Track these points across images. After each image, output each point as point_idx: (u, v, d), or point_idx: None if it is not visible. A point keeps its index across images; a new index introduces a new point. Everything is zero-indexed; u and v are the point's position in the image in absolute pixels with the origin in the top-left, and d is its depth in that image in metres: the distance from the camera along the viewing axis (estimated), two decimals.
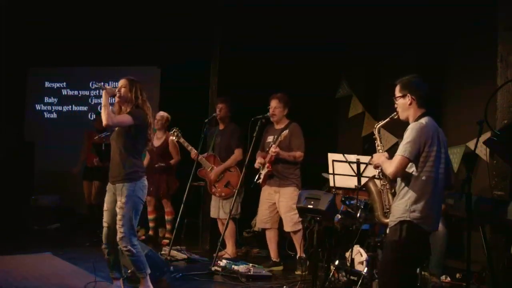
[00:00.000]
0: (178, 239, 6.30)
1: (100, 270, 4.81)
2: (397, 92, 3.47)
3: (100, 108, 4.62)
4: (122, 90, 4.24)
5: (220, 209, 6.18)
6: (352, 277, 4.58)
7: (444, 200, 4.11)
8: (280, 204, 5.67)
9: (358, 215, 4.37)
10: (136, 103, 4.23)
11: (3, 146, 8.46)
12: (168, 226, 7.00)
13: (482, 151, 5.20)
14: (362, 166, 4.50)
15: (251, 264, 5.38)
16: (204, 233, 6.97)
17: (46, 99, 9.41)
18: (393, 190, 3.52)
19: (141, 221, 7.45)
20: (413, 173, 3.31)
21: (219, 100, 6.35)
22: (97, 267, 4.85)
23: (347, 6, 6.42)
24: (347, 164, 4.58)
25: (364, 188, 4.13)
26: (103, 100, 4.16)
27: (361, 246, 4.82)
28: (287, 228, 5.65)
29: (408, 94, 3.40)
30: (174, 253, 5.94)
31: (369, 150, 3.65)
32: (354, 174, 4.53)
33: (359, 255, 4.81)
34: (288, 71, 6.90)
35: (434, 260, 4.74)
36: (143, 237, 7.12)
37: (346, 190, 4.93)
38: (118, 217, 4.13)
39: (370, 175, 4.03)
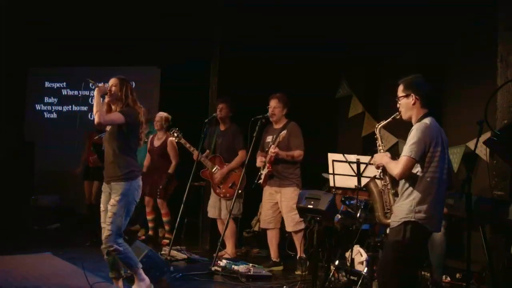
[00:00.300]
0: (178, 239, 6.30)
1: (100, 270, 4.82)
2: (401, 92, 3.47)
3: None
4: (113, 88, 4.25)
5: (221, 209, 6.18)
6: (352, 277, 4.58)
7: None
8: (281, 204, 5.68)
9: (358, 215, 4.38)
10: (127, 102, 4.24)
11: (3, 146, 8.46)
12: (166, 227, 7.00)
13: (482, 151, 5.20)
14: (362, 166, 4.50)
15: (251, 264, 5.38)
16: (204, 233, 6.97)
17: (46, 99, 9.42)
18: (393, 191, 3.52)
19: (141, 221, 7.51)
20: (418, 173, 3.32)
21: (220, 101, 6.34)
22: (98, 267, 4.85)
23: (347, 6, 6.42)
24: (347, 164, 4.58)
25: (365, 189, 4.13)
26: (95, 98, 4.16)
27: (361, 246, 4.82)
28: (289, 228, 5.65)
29: (412, 94, 3.41)
30: (174, 253, 5.93)
31: (376, 152, 3.63)
32: (354, 174, 4.53)
33: (359, 255, 4.81)
34: (288, 71, 6.90)
35: (434, 260, 4.73)
36: (143, 237, 7.13)
37: (345, 190, 4.92)
38: (109, 214, 4.13)
39: (370, 175, 4.04)
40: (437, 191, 3.31)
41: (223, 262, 5.41)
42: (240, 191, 5.87)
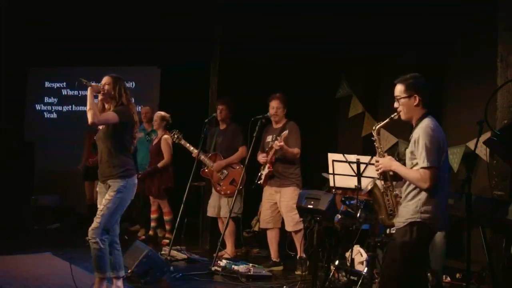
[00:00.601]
0: (178, 239, 6.30)
1: None
2: (401, 92, 3.40)
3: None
4: (106, 87, 4.21)
5: (220, 207, 6.18)
6: (352, 277, 4.58)
7: None
8: (281, 204, 5.68)
9: (358, 215, 4.37)
10: (120, 101, 4.21)
11: (3, 146, 8.46)
12: (167, 227, 7.00)
13: (482, 151, 5.20)
14: (362, 166, 4.49)
15: (251, 264, 5.38)
16: (204, 233, 6.97)
17: (46, 99, 9.42)
18: (395, 192, 3.50)
19: (141, 221, 7.51)
20: None
21: (220, 102, 6.34)
22: None
23: (347, 6, 6.41)
24: (347, 164, 4.58)
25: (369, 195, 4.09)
26: (88, 98, 4.12)
27: (361, 246, 4.83)
28: (289, 228, 5.65)
29: (416, 95, 3.36)
30: (174, 253, 5.93)
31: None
32: (354, 174, 4.53)
33: (359, 255, 4.82)
34: (288, 71, 6.90)
35: (435, 260, 4.73)
36: (143, 237, 7.12)
37: (345, 190, 4.91)
38: (100, 207, 4.13)
39: (370, 175, 4.03)
40: (442, 190, 3.31)
41: (223, 262, 5.41)
42: (241, 187, 5.86)
